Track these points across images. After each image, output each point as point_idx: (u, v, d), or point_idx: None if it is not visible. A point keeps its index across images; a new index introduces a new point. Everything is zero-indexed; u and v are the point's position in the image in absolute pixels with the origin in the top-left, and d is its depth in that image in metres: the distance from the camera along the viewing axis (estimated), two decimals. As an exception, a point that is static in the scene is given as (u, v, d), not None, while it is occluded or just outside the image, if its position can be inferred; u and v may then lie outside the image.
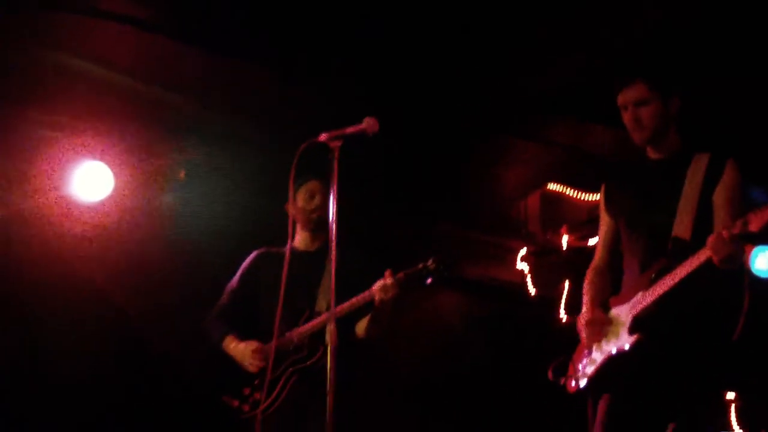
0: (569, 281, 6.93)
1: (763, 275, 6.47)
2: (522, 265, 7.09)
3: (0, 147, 5.27)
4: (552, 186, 6.92)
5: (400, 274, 4.21)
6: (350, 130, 3.48)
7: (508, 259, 7.12)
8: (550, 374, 3.62)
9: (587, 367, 3.51)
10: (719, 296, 3.35)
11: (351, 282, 4.23)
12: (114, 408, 5.38)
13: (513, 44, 4.89)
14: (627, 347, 3.35)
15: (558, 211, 7.00)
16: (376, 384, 5.29)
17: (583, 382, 3.50)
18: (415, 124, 5.66)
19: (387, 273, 4.19)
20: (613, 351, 3.40)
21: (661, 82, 3.54)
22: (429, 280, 4.25)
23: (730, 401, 6.64)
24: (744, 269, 3.48)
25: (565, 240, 6.92)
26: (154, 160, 5.67)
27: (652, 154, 3.63)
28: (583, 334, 3.56)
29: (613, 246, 3.77)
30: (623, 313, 3.44)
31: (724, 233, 3.10)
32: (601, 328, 3.50)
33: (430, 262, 4.24)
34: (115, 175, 5.45)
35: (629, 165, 3.79)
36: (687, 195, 3.44)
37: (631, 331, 3.35)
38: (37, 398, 5.21)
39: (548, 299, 6.98)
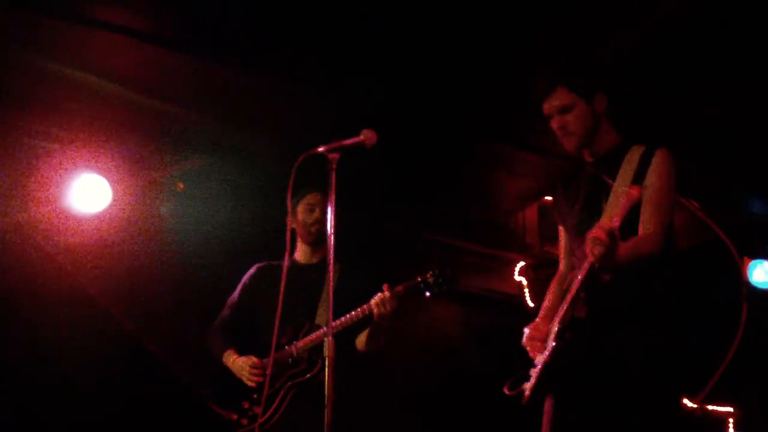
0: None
1: (760, 287, 6.47)
2: (520, 277, 7.09)
3: (-2, 158, 5.28)
4: (549, 198, 6.92)
5: (398, 288, 4.21)
6: (348, 142, 3.48)
7: (506, 271, 7.12)
8: (505, 389, 3.59)
9: (532, 378, 3.49)
10: (717, 307, 3.34)
11: (351, 296, 4.23)
12: (111, 419, 5.36)
13: (512, 53, 4.89)
14: (548, 352, 3.32)
15: (556, 223, 6.99)
16: (374, 396, 5.28)
17: (527, 393, 3.48)
18: (413, 135, 5.66)
19: (385, 287, 4.19)
20: (540, 360, 3.39)
21: (581, 83, 3.46)
22: (427, 294, 4.24)
23: (729, 414, 6.63)
24: (742, 280, 3.47)
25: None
26: (152, 172, 5.67)
27: (588, 156, 3.56)
28: (527, 347, 3.54)
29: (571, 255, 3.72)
30: (557, 320, 3.40)
31: (592, 231, 3.03)
32: (541, 339, 3.47)
33: (428, 275, 4.23)
34: (113, 186, 5.45)
35: (572, 173, 3.73)
36: (615, 192, 3.34)
37: (557, 337, 3.31)
38: (34, 408, 5.20)
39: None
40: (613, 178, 3.37)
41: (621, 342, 3.26)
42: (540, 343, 3.48)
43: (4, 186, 5.27)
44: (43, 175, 5.33)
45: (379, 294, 4.17)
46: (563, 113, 3.44)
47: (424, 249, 6.66)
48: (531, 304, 7.02)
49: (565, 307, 3.30)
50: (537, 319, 3.62)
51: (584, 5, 4.53)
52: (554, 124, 3.50)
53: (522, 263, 7.08)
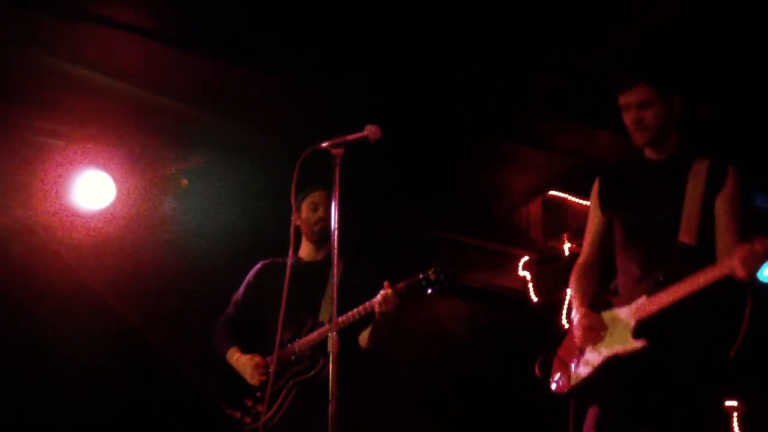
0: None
1: (765, 281, 6.46)
2: (524, 272, 7.08)
3: (2, 155, 5.28)
4: (554, 192, 6.92)
5: (401, 285, 4.19)
6: (352, 137, 3.48)
7: (510, 266, 7.11)
8: (537, 370, 3.58)
9: (580, 367, 3.47)
10: (722, 303, 3.33)
11: (354, 292, 4.22)
12: (116, 416, 5.37)
13: (515, 49, 4.89)
14: (631, 350, 3.31)
15: (560, 218, 7.00)
16: (378, 392, 5.28)
17: (574, 382, 3.46)
18: (417, 130, 5.66)
19: (386, 284, 4.17)
20: (614, 354, 3.36)
21: (664, 83, 3.52)
22: (429, 291, 4.22)
23: (733, 408, 6.62)
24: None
25: (566, 247, 6.92)
26: (156, 169, 5.68)
27: (652, 154, 3.60)
28: (578, 334, 3.51)
29: (603, 242, 3.74)
30: (623, 315, 3.39)
31: (757, 247, 3.07)
32: (598, 330, 3.46)
33: (430, 272, 4.20)
34: (117, 183, 5.45)
35: (627, 163, 3.76)
36: (690, 200, 3.40)
37: (636, 335, 3.31)
38: (38, 406, 5.21)
39: (550, 306, 6.97)
40: (679, 184, 3.45)
41: (689, 356, 3.31)
42: (594, 332, 3.46)
43: (8, 183, 5.28)
44: (47, 172, 5.34)
45: (382, 291, 4.16)
46: (641, 108, 3.49)
47: (427, 245, 6.66)
48: (535, 299, 7.02)
49: (657, 306, 3.30)
50: (577, 308, 3.60)
51: (585, 5, 4.53)
52: (629, 118, 3.53)
53: (526, 258, 7.07)
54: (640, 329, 3.32)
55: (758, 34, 4.64)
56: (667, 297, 3.28)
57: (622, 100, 3.54)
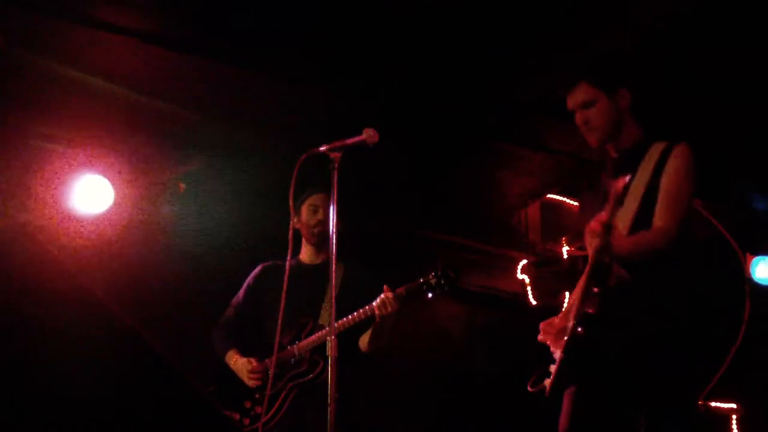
0: (570, 291, 6.91)
1: (763, 283, 6.47)
2: (522, 275, 7.09)
3: (0, 159, 5.27)
4: (552, 195, 6.92)
5: (401, 289, 4.19)
6: (350, 141, 3.49)
7: (509, 269, 7.11)
8: (528, 387, 3.59)
9: (552, 373, 3.49)
10: (720, 303, 3.33)
11: (354, 295, 4.23)
12: (114, 419, 5.36)
13: (513, 51, 4.89)
14: (562, 345, 3.32)
15: (558, 221, 7.00)
16: (376, 394, 5.28)
17: (548, 387, 3.47)
18: (416, 132, 5.66)
19: (386, 288, 4.17)
20: (557, 355, 3.39)
21: (603, 78, 3.49)
22: (429, 295, 4.22)
23: (732, 411, 6.62)
24: (745, 277, 3.47)
25: (565, 250, 6.92)
26: (154, 173, 5.68)
27: (612, 152, 3.57)
28: (546, 343, 3.55)
29: None
30: (570, 316, 3.40)
31: (591, 224, 3.06)
32: (554, 334, 3.48)
33: (430, 276, 4.19)
34: (115, 187, 5.45)
35: (599, 163, 3.75)
36: (635, 186, 3.35)
37: (568, 333, 3.31)
38: (36, 410, 5.20)
39: (549, 309, 6.96)
40: (635, 173, 3.38)
41: (633, 338, 3.26)
42: (554, 338, 3.48)
43: (6, 187, 5.27)
44: (45, 177, 5.33)
45: (382, 295, 4.16)
46: (585, 108, 3.48)
47: (427, 248, 6.66)
48: (533, 302, 7.02)
49: (576, 303, 3.30)
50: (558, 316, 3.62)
51: (584, 5, 4.53)
52: (577, 120, 3.52)
53: (524, 261, 7.07)
54: (574, 326, 3.29)
55: (759, 30, 4.65)
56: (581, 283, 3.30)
57: (568, 104, 3.54)
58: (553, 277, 6.98)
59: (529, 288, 7.07)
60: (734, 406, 6.59)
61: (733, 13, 4.50)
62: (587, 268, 3.22)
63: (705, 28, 4.63)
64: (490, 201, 6.86)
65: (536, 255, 7.08)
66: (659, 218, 3.27)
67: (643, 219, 3.24)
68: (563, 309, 3.65)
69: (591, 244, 3.07)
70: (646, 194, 3.33)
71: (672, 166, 3.31)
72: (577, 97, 3.49)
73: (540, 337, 3.55)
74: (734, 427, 6.60)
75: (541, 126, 5.79)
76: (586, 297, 3.25)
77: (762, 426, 6.57)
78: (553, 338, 3.49)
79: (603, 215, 3.03)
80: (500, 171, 6.45)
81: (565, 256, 6.90)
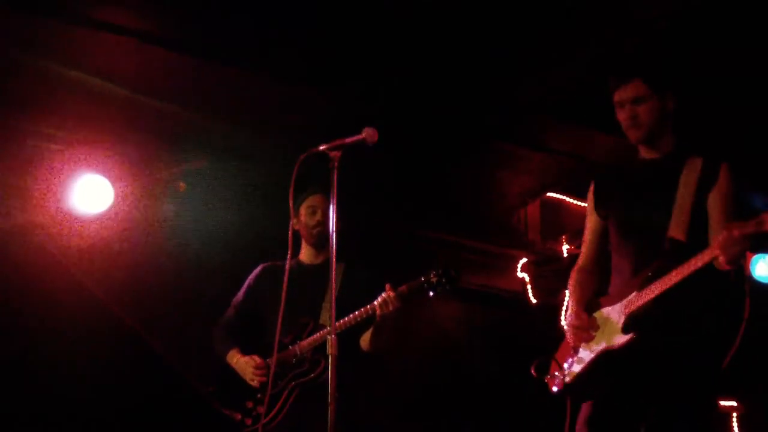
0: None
1: (763, 281, 6.47)
2: (522, 274, 7.09)
3: (0, 159, 5.28)
4: (552, 194, 6.92)
5: (402, 288, 4.19)
6: (349, 140, 3.49)
7: (509, 267, 7.11)
8: (533, 370, 3.59)
9: (574, 365, 3.49)
10: (716, 297, 3.33)
11: (354, 295, 4.23)
12: (115, 420, 5.36)
13: (512, 51, 4.89)
14: (620, 344, 3.32)
15: (558, 220, 7.01)
16: (377, 394, 5.28)
17: (568, 380, 3.47)
18: (416, 132, 5.66)
19: (388, 287, 4.17)
20: (605, 349, 3.38)
21: (659, 79, 3.55)
22: (431, 294, 4.21)
23: (732, 409, 6.63)
24: (744, 275, 3.46)
25: (565, 248, 6.92)
26: (154, 172, 5.68)
27: (645, 153, 3.61)
28: (569, 335, 3.55)
29: (601, 245, 3.75)
30: (615, 312, 3.42)
31: (735, 232, 3.07)
32: (589, 330, 3.48)
33: (431, 275, 4.18)
34: (115, 187, 5.45)
35: (620, 164, 3.79)
36: (681, 197, 3.41)
37: (626, 329, 3.33)
38: (37, 410, 5.20)
39: (549, 307, 6.97)
40: (672, 183, 3.46)
41: (684, 347, 3.30)
42: (584, 332, 3.49)
43: (6, 187, 5.27)
44: (45, 177, 5.33)
45: (383, 294, 4.15)
46: (636, 104, 3.52)
47: (427, 247, 6.66)
48: (534, 301, 7.02)
49: (645, 299, 3.32)
50: (571, 310, 3.63)
51: (583, 7, 4.54)
52: (623, 114, 3.56)
53: (524, 260, 7.07)
54: (630, 323, 3.33)
55: (759, 31, 4.65)
56: (655, 289, 3.29)
57: (617, 96, 3.57)
58: (553, 275, 6.98)
59: (529, 286, 7.08)
60: (734, 404, 6.60)
61: (732, 13, 4.51)
62: (688, 269, 3.21)
63: (705, 28, 4.64)
64: (490, 200, 6.86)
65: (536, 254, 7.09)
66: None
67: (696, 231, 3.33)
68: (577, 304, 3.63)
69: (728, 251, 3.09)
70: (694, 207, 3.39)
71: (723, 186, 3.40)
72: (629, 91, 3.54)
73: (568, 330, 3.56)
74: (735, 425, 6.61)
75: (541, 126, 5.79)
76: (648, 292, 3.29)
77: (762, 424, 6.57)
78: (581, 332, 3.50)
79: (748, 226, 3.07)
80: (500, 170, 6.45)
81: (565, 255, 6.91)
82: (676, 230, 3.37)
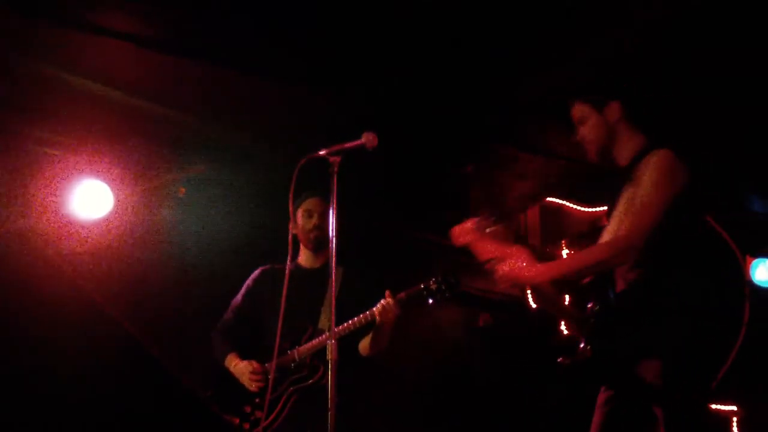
0: (569, 294, 6.91)
1: (762, 285, 6.47)
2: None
3: (0, 165, 5.28)
4: (551, 199, 6.92)
5: (401, 295, 4.18)
6: (349, 144, 3.49)
7: (509, 272, 7.09)
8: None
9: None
10: (719, 307, 3.32)
11: (354, 299, 4.23)
12: (114, 424, 5.36)
13: (513, 54, 4.89)
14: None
15: (558, 224, 7.00)
16: (376, 398, 5.28)
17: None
18: (415, 138, 5.66)
19: (387, 293, 4.17)
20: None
21: (591, 94, 3.59)
22: (430, 301, 4.21)
23: (732, 413, 6.62)
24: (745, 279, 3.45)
25: (564, 253, 6.92)
26: (154, 177, 5.68)
27: (620, 162, 3.60)
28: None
29: None
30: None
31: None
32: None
33: (431, 282, 4.18)
34: (115, 192, 5.46)
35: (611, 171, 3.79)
36: (623, 197, 3.41)
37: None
38: (36, 414, 5.19)
39: (549, 312, 6.96)
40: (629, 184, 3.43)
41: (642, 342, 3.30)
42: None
43: (6, 192, 5.27)
44: (45, 182, 5.33)
45: (383, 301, 4.15)
46: (581, 125, 3.60)
47: (426, 251, 6.66)
48: (533, 305, 7.02)
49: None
50: None
51: (582, 8, 4.54)
52: (577, 137, 3.64)
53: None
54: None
55: (758, 31, 4.65)
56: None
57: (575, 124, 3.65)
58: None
59: (528, 291, 7.07)
60: (734, 408, 6.59)
61: (732, 13, 4.50)
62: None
63: (704, 29, 4.64)
64: (490, 204, 6.86)
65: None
66: (620, 228, 3.33)
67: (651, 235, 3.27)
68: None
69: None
70: (627, 205, 3.37)
71: (643, 174, 3.33)
72: (574, 115, 3.63)
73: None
74: (734, 429, 6.60)
75: (542, 130, 5.79)
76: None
77: (762, 428, 6.56)
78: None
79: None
80: (500, 175, 6.44)
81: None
82: (609, 233, 3.42)
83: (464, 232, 3.66)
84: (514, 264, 3.42)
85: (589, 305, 3.49)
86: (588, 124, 3.56)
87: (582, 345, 3.46)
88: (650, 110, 3.71)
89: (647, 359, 3.28)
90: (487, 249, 3.61)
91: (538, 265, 3.41)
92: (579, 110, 3.59)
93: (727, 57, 4.84)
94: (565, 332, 6.59)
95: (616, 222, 3.39)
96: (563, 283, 3.49)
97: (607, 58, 4.84)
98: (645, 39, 4.72)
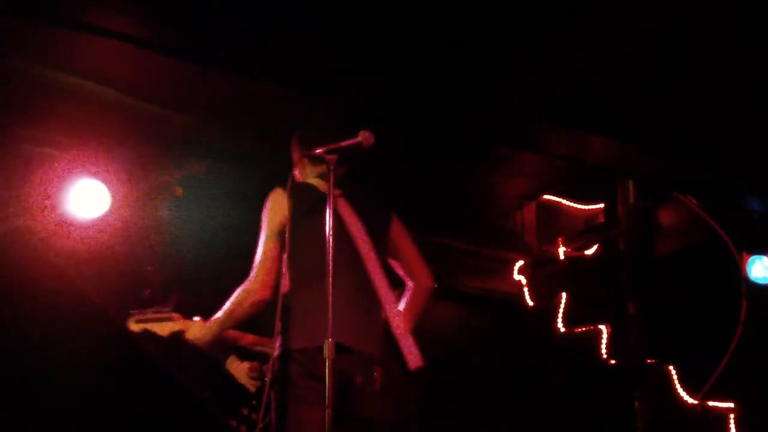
0: (566, 292, 6.93)
1: (759, 282, 6.47)
2: (519, 277, 7.09)
3: (-4, 165, 5.28)
4: (548, 197, 6.93)
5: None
6: (345, 143, 3.49)
7: (505, 270, 7.11)
8: None
9: None
10: (717, 303, 3.33)
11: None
12: (113, 424, 5.35)
13: (509, 54, 4.89)
14: None
15: (554, 222, 7.01)
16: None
17: None
18: (410, 136, 5.66)
19: None
20: None
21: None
22: None
23: (729, 410, 6.62)
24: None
25: (561, 251, 6.93)
26: (151, 177, 5.67)
27: None
28: None
29: None
30: None
31: None
32: None
33: None
34: (112, 192, 5.45)
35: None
36: None
37: None
38: (33, 414, 5.18)
39: (545, 310, 6.97)
40: None
41: None
42: None
43: (2, 192, 5.26)
44: (41, 181, 5.32)
45: (377, 301, 4.15)
46: None
47: (422, 250, 6.65)
48: (530, 303, 7.03)
49: None
50: None
51: (580, 9, 4.54)
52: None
53: (521, 262, 7.07)
54: None
55: (757, 31, 4.66)
56: None
57: None
58: (549, 278, 6.99)
59: (525, 289, 7.08)
60: (732, 405, 6.60)
61: (731, 13, 4.51)
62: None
63: (703, 29, 4.64)
64: (485, 203, 6.86)
65: (533, 256, 7.09)
66: None
67: None
68: None
69: None
70: None
71: None
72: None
73: None
74: (732, 426, 6.60)
75: (537, 129, 5.79)
76: None
77: (759, 425, 6.57)
78: None
79: None
80: (496, 173, 6.45)
81: (562, 257, 6.92)
82: None
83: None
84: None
85: None
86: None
87: None
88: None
89: None
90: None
91: None
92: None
93: (727, 57, 4.85)
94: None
95: None
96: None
97: (607, 58, 4.85)
98: (645, 39, 4.72)
